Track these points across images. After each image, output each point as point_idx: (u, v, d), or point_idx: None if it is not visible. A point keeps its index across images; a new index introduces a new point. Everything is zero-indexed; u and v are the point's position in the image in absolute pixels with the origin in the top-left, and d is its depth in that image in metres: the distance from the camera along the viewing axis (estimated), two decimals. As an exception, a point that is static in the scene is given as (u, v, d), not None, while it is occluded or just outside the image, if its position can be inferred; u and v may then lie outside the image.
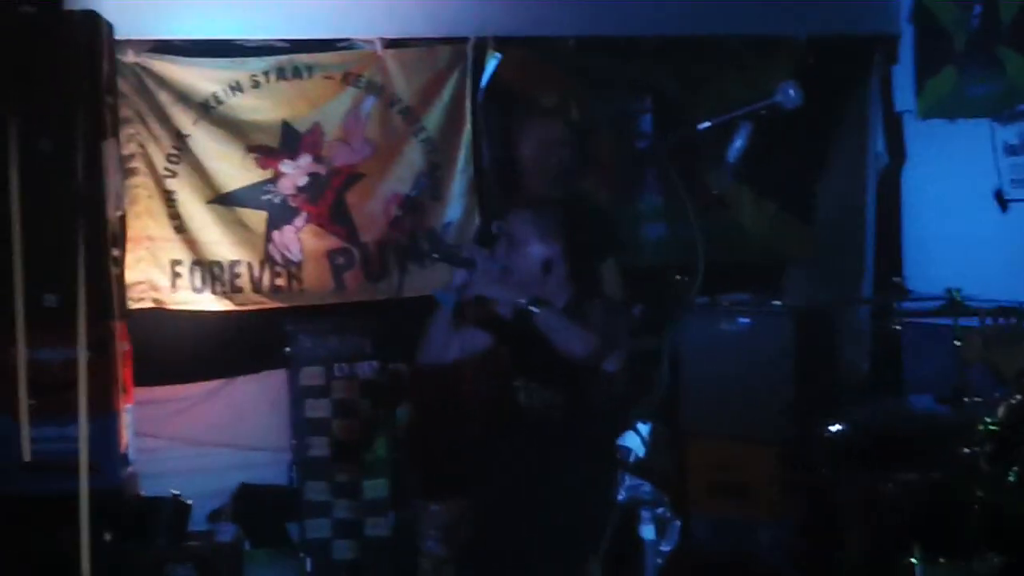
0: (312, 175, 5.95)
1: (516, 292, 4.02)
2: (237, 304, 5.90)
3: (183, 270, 5.85)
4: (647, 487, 2.80)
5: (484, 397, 5.53)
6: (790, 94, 3.14)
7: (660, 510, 2.82)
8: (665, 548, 2.83)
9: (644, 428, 2.85)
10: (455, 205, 6.06)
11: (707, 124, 3.22)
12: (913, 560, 4.06)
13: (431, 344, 4.19)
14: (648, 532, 2.83)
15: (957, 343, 4.44)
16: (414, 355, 4.33)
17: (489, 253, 4.19)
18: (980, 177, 5.77)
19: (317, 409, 5.82)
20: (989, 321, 4.44)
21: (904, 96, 6.36)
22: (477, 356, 4.43)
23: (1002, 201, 5.68)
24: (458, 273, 4.10)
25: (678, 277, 5.77)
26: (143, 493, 5.34)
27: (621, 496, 2.80)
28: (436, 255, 4.78)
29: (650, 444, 2.86)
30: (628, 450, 2.82)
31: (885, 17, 6.41)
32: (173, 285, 5.84)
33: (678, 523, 2.85)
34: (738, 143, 3.12)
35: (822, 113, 6.03)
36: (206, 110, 5.81)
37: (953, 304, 4.42)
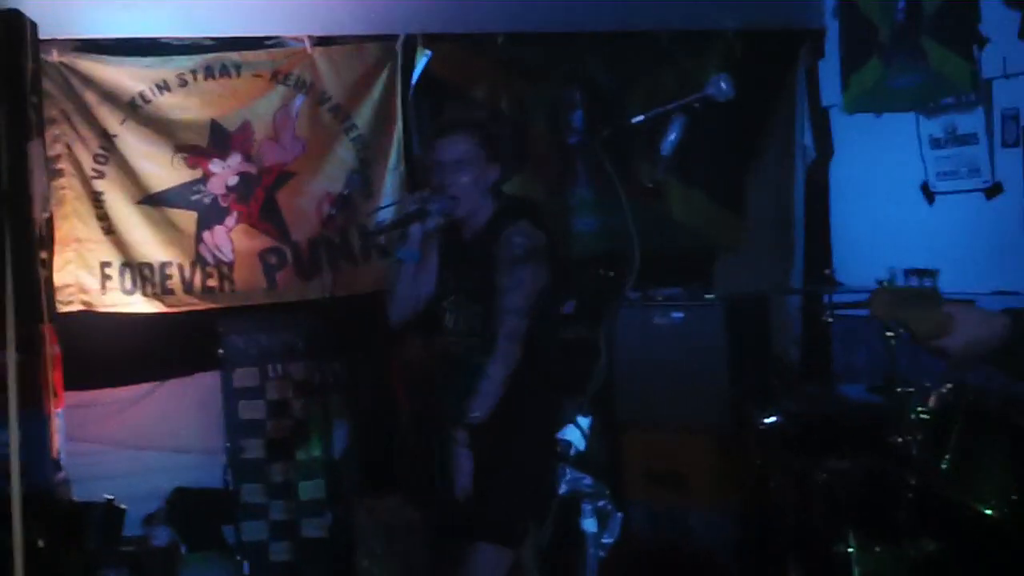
0: (242, 174, 5.92)
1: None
2: (169, 306, 5.85)
3: (113, 272, 5.79)
4: (588, 480, 2.81)
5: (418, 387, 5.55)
6: (722, 87, 3.15)
7: (601, 502, 2.83)
8: (607, 540, 2.84)
9: (584, 421, 2.85)
10: (387, 202, 6.03)
11: (641, 118, 3.24)
12: (849, 548, 4.11)
13: (399, 301, 4.21)
14: (590, 525, 2.83)
15: (888, 334, 4.51)
16: (352, 352, 4.33)
17: (429, 192, 4.18)
18: (906, 170, 5.85)
19: (251, 410, 5.78)
20: (901, 281, 4.51)
21: (830, 90, 6.44)
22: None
23: (928, 193, 5.76)
24: (414, 229, 4.11)
25: (606, 272, 5.84)
26: (76, 498, 5.28)
27: (562, 489, 2.81)
28: (381, 233, 4.73)
29: (590, 437, 2.87)
30: (568, 443, 2.83)
31: (811, 12, 6.50)
32: (103, 287, 5.78)
33: (620, 515, 2.85)
34: (672, 136, 3.12)
35: (751, 106, 6.08)
36: (133, 109, 5.75)
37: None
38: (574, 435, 2.87)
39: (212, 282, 5.90)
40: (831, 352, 6.21)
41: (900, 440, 4.14)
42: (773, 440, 4.98)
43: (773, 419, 5.01)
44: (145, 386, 5.89)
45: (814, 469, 4.61)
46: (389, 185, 6.05)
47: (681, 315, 5.72)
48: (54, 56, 5.59)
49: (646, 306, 5.77)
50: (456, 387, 4.14)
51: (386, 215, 5.81)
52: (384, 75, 6.03)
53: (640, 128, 3.25)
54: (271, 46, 5.92)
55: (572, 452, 2.84)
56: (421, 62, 5.98)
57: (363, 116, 6.04)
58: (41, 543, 4.83)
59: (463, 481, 4.05)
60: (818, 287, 5.92)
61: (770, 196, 6.60)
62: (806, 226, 6.58)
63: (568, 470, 2.80)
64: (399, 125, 6.06)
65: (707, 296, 5.86)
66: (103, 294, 5.78)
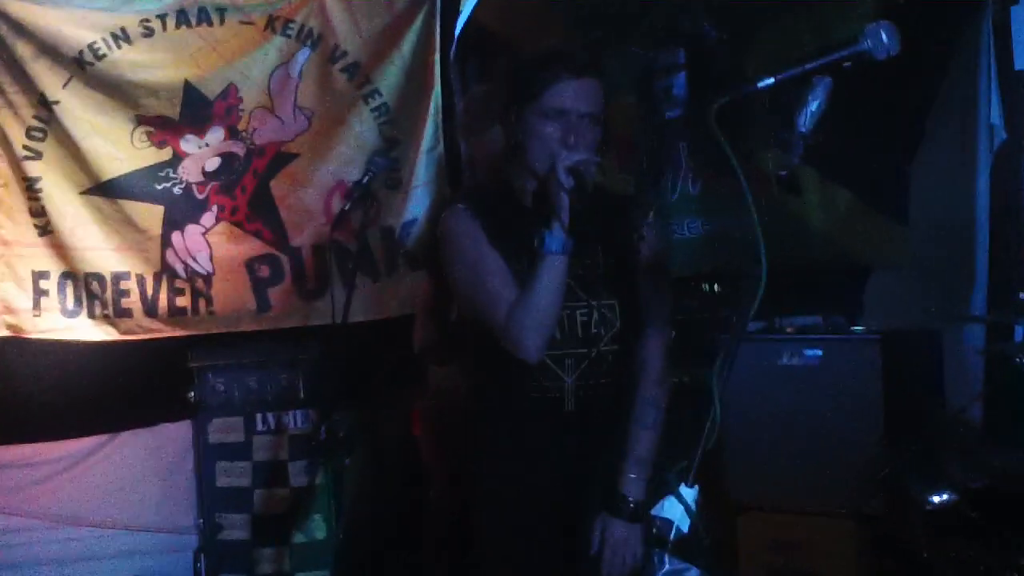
0: (226, 155, 5.96)
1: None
2: (123, 332, 5.90)
3: (50, 286, 5.85)
4: (693, 572, 2.78)
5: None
6: (883, 39, 3.12)
7: (712, 605, 2.81)
8: (719, 657, 2.81)
9: (689, 493, 2.81)
10: (420, 195, 6.06)
11: (770, 80, 3.20)
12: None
13: (541, 312, 3.76)
14: (695, 635, 2.81)
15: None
16: (369, 399, 4.22)
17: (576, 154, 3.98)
18: None
19: (232, 475, 5.81)
20: None
21: (1027, 51, 6.39)
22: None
23: None
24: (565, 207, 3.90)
25: (717, 294, 5.80)
26: (-5, 590, 5.33)
27: (659, 586, 2.78)
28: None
29: (697, 515, 2.83)
30: (668, 523, 2.79)
31: (1000, -56, 6.46)
32: (36, 306, 5.84)
33: (736, 623, 2.83)
34: (814, 105, 3.10)
35: (916, 73, 6.03)
36: (81, 67, 5.81)
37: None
38: (675, 512, 2.83)
39: (183, 301, 5.95)
40: (1026, 406, 6.15)
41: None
42: (945, 526, 4.93)
43: (945, 498, 4.96)
44: (91, 440, 5.94)
45: (1003, 566, 4.56)
46: (423, 172, 6.07)
47: (819, 354, 5.67)
48: (-24, -3, 5.67)
49: (771, 341, 5.73)
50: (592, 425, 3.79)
51: (416, 223, 5.82)
52: (417, 25, 6.07)
53: (765, 96, 3.22)
54: (266, -16, 5.97)
55: (672, 535, 2.81)
56: (467, 7, 5.98)
57: (389, 79, 6.07)
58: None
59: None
60: (1009, 317, 5.86)
61: (942, 193, 6.54)
62: (992, 233, 6.51)
63: (667, 559, 2.77)
64: (437, 92, 6.07)
65: (855, 328, 5.81)
66: (36, 315, 5.84)
